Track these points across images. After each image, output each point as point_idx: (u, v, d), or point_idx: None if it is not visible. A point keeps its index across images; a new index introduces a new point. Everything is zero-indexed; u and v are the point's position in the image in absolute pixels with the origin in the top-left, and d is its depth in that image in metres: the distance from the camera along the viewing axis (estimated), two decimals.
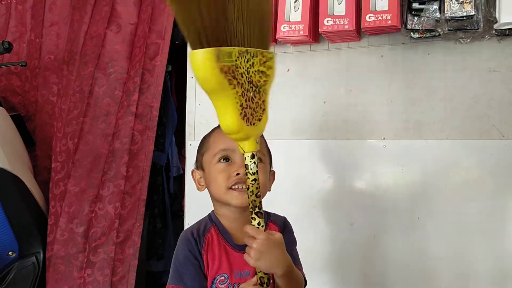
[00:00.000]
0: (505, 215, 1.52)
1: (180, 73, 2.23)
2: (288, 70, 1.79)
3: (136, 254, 1.92)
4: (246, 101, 0.99)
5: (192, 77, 2.02)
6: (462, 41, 1.55)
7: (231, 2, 0.97)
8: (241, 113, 0.97)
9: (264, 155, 1.17)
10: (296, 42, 1.73)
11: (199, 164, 1.19)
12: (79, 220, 1.93)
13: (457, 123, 1.57)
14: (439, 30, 1.52)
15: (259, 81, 1.02)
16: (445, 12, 1.48)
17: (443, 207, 1.57)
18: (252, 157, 1.01)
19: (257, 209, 1.02)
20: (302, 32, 1.62)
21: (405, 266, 1.61)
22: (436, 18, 1.50)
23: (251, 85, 1.00)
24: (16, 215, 1.79)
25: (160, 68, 1.99)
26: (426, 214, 1.59)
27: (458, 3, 1.47)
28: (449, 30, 1.51)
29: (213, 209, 1.20)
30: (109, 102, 2.00)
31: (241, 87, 0.97)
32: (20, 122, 2.12)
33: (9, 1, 2.30)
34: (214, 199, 1.17)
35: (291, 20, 1.64)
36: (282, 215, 1.25)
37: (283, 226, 1.21)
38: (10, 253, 1.79)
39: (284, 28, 1.64)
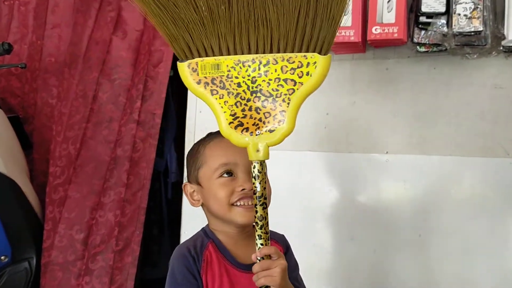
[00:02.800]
0: (509, 234, 1.47)
1: (180, 78, 2.19)
2: None
3: (135, 262, 1.88)
4: (243, 110, 0.96)
5: None
6: (469, 57, 1.51)
7: (233, 6, 0.92)
8: (231, 122, 0.97)
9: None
10: None
11: (193, 179, 1.09)
12: (80, 227, 1.89)
13: (461, 140, 1.53)
14: (446, 45, 1.48)
15: (276, 90, 0.96)
16: (453, 27, 1.44)
17: (446, 224, 1.53)
18: (253, 167, 0.96)
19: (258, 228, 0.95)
20: None
21: (405, 282, 1.57)
22: (444, 33, 1.47)
23: (259, 94, 0.96)
24: (10, 219, 1.72)
25: (164, 75, 1.94)
26: (428, 231, 1.55)
27: (466, 19, 1.43)
28: (456, 45, 1.47)
29: (207, 223, 1.11)
30: (113, 109, 1.96)
31: (236, 97, 0.96)
32: (18, 124, 2.06)
33: (12, 2, 2.25)
34: (214, 216, 1.07)
35: None
36: (282, 228, 1.17)
37: (285, 246, 1.14)
38: (2, 257, 1.73)
39: None
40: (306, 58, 0.95)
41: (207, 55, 0.98)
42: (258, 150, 0.96)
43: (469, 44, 1.46)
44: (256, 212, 0.95)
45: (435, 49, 1.52)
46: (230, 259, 1.04)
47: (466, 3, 1.44)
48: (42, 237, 1.86)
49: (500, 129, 1.49)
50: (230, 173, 1.03)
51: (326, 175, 1.68)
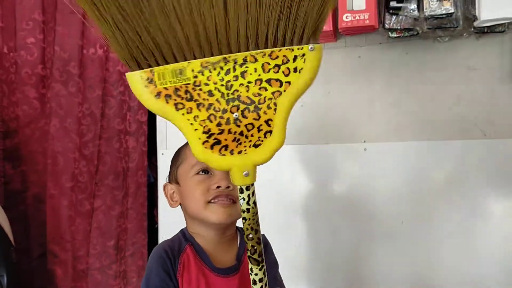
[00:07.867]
0: (491, 214, 1.37)
1: None
2: None
3: (145, 265, 1.90)
4: (219, 125, 0.74)
5: None
6: (441, 40, 1.41)
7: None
8: (205, 141, 0.74)
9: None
10: None
11: (173, 178, 1.00)
12: (109, 235, 1.99)
13: (438, 124, 1.42)
14: (418, 29, 1.38)
15: (258, 95, 0.73)
16: (424, 10, 1.34)
17: (427, 210, 1.42)
18: (241, 191, 0.75)
19: (248, 253, 0.78)
20: None
21: (390, 272, 1.45)
22: (415, 17, 1.36)
23: (237, 102, 0.74)
24: None
25: None
26: (410, 217, 1.44)
27: (437, 1, 1.34)
28: (428, 28, 1.36)
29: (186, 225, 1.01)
30: (119, 122, 1.98)
31: (209, 109, 0.73)
32: None
33: None
34: (190, 216, 0.97)
35: None
36: (260, 224, 1.06)
37: (264, 243, 1.01)
38: None
39: None
40: (293, 51, 0.73)
41: (166, 63, 0.73)
42: (245, 173, 0.75)
43: (441, 27, 1.36)
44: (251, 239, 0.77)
45: (406, 34, 1.42)
46: (208, 263, 0.93)
47: None
48: (11, 253, 1.73)
49: (476, 110, 1.39)
50: (206, 171, 0.94)
51: (304, 168, 1.56)
